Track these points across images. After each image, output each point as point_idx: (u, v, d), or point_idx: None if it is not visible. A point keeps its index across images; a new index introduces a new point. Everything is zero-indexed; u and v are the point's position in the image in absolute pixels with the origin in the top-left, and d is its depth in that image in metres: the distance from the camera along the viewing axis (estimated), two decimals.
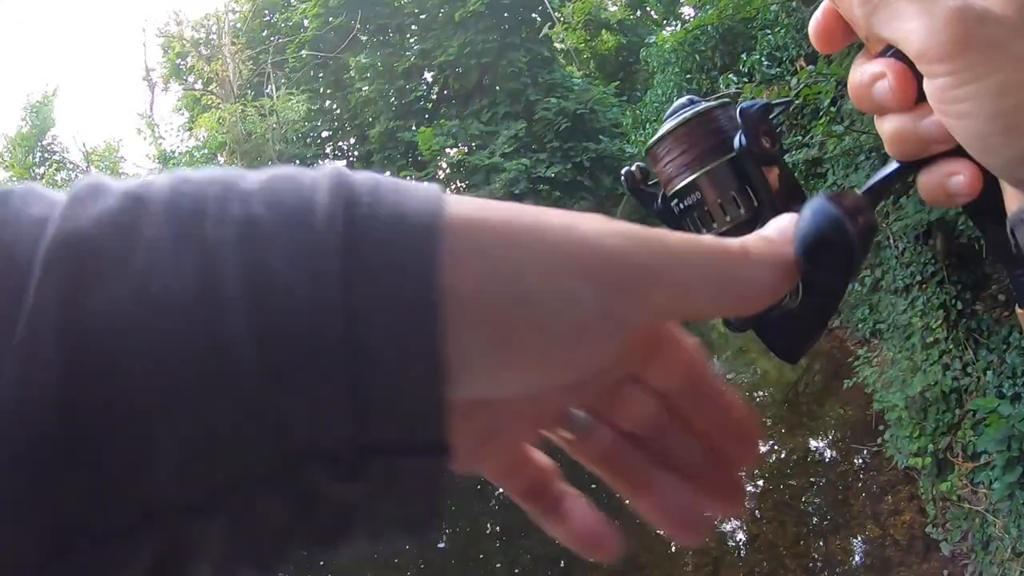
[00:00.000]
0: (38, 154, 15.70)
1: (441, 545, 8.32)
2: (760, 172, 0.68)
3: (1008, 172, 0.52)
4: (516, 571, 7.34)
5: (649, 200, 0.74)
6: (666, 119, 0.72)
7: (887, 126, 0.54)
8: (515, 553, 7.68)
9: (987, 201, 0.67)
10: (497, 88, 19.45)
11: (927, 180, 0.55)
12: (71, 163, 14.80)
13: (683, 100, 0.72)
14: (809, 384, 11.43)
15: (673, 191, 0.70)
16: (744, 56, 6.98)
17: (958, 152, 0.52)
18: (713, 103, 0.69)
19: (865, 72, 0.53)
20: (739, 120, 0.67)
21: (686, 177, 0.68)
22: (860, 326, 9.18)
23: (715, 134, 0.68)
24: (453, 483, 0.38)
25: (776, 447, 9.50)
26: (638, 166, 0.76)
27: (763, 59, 7.22)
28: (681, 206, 0.70)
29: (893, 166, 0.58)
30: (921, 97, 0.50)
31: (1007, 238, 0.62)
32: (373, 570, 7.81)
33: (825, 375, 11.18)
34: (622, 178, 0.75)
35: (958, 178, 0.52)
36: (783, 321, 0.62)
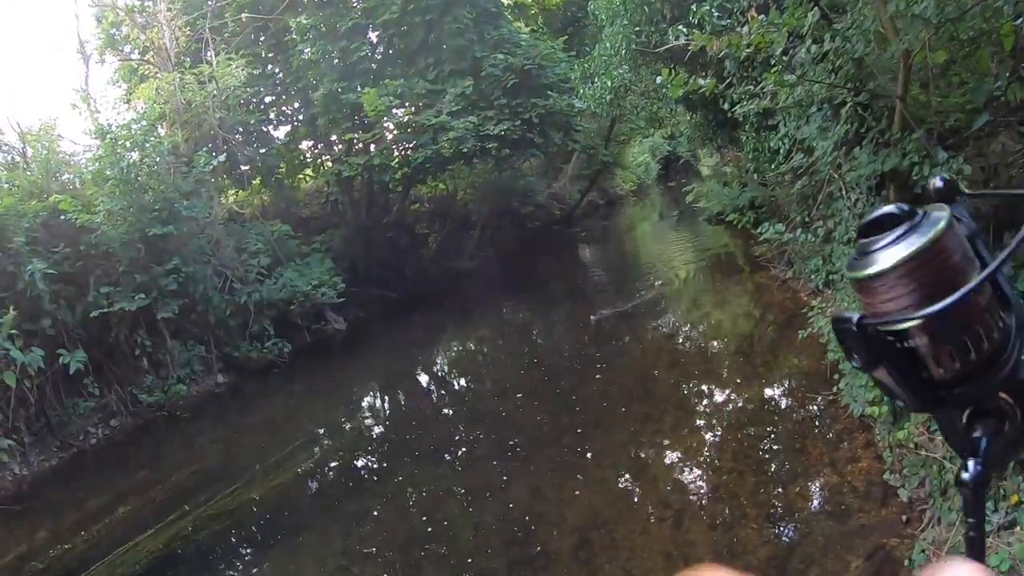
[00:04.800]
0: None
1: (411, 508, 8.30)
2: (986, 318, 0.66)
3: None
4: (482, 530, 7.34)
5: (869, 343, 0.67)
6: (874, 237, 0.65)
7: None
8: (479, 514, 7.68)
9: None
10: (443, 45, 19.16)
11: None
12: (7, 145, 14.31)
13: (892, 210, 0.66)
14: (763, 335, 11.54)
15: (891, 330, 0.66)
16: (694, 7, 6.88)
17: None
18: (942, 225, 0.63)
19: None
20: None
21: (909, 321, 0.64)
22: (813, 277, 9.26)
23: (947, 271, 0.63)
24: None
25: (733, 397, 9.59)
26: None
27: (713, 10, 7.12)
28: (899, 346, 0.66)
29: None
30: None
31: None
32: (341, 538, 7.78)
33: (779, 326, 11.31)
34: (852, 328, 0.67)
35: None
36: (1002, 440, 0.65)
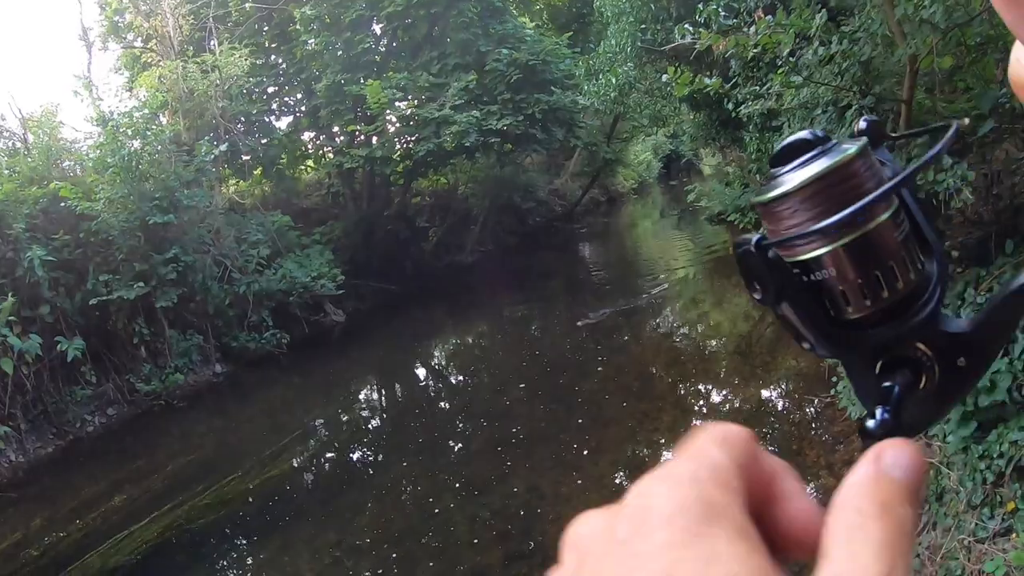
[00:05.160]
0: None
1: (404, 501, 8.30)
2: (910, 252, 0.61)
3: None
4: (477, 525, 7.34)
5: (769, 272, 0.61)
6: (783, 164, 0.61)
7: None
8: (475, 509, 7.68)
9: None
10: (447, 39, 19.15)
11: None
12: (8, 131, 14.31)
13: (804, 136, 0.61)
14: (762, 335, 11.53)
15: (793, 260, 0.60)
16: (701, 6, 6.84)
17: None
18: (853, 150, 0.58)
19: None
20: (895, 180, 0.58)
21: (815, 249, 0.59)
22: None
23: (854, 192, 0.58)
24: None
25: (730, 397, 9.60)
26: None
27: (720, 9, 7.09)
28: (806, 279, 0.60)
29: None
30: None
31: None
32: (336, 530, 7.78)
33: (777, 327, 11.28)
34: (750, 249, 0.61)
35: None
36: (916, 401, 0.59)
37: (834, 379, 7.77)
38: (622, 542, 0.36)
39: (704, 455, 0.39)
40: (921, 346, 0.60)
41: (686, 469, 0.37)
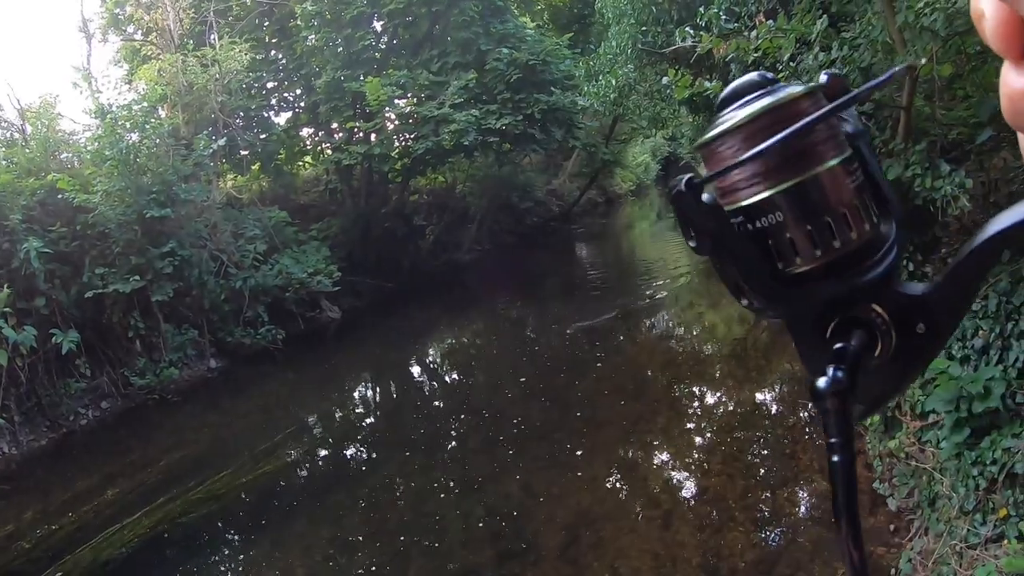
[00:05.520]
0: None
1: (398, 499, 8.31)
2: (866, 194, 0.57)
3: None
4: (470, 524, 7.35)
5: (703, 215, 0.57)
6: (729, 106, 0.56)
7: None
8: (468, 507, 7.69)
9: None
10: (448, 38, 19.14)
11: None
12: (6, 121, 14.29)
13: (753, 77, 0.57)
14: (757, 339, 11.55)
15: (736, 206, 0.57)
16: (702, 9, 6.86)
17: None
18: (799, 89, 0.54)
19: None
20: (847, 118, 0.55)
21: (759, 191, 0.54)
22: None
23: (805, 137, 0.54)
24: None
25: (725, 400, 9.61)
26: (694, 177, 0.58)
27: (721, 13, 7.11)
28: (750, 227, 0.56)
29: None
30: None
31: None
32: (329, 527, 7.78)
33: (772, 330, 11.32)
34: (681, 188, 0.57)
35: None
36: (873, 372, 0.55)
37: None
38: None
39: None
40: (877, 308, 0.56)
41: None
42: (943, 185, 4.94)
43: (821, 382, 0.51)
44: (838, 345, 0.54)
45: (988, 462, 4.53)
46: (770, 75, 0.57)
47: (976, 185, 5.64)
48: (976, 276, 0.53)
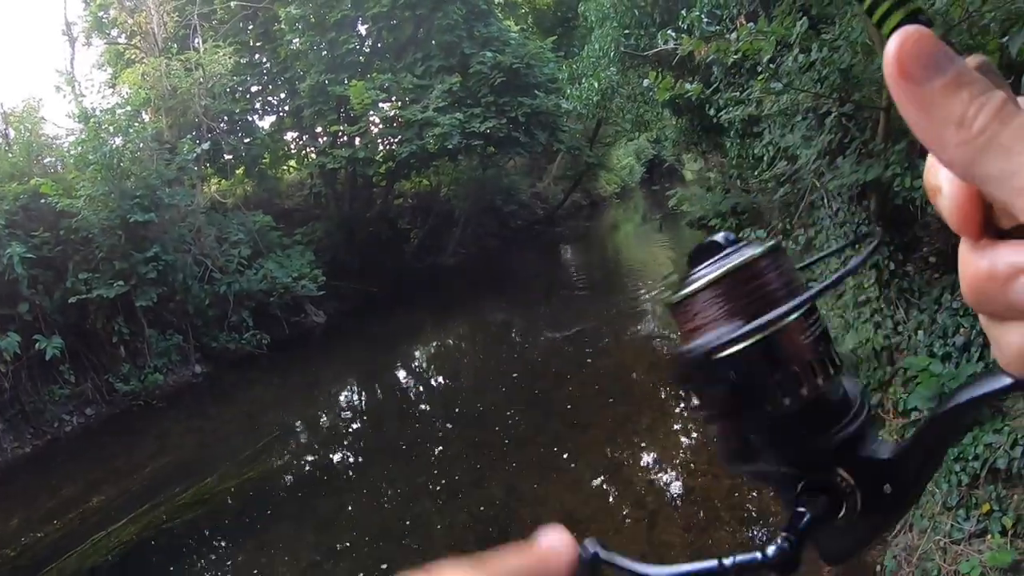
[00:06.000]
0: None
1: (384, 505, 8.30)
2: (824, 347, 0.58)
3: None
4: (455, 528, 7.35)
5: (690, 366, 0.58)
6: (699, 266, 0.59)
7: (1017, 338, 0.41)
8: (454, 511, 7.69)
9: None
10: (432, 41, 19.17)
11: None
12: None
13: (718, 239, 0.60)
14: None
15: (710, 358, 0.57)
16: (684, 12, 6.90)
17: None
18: (759, 250, 0.57)
19: (999, 261, 0.40)
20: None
21: (728, 346, 0.55)
22: None
23: (761, 292, 0.56)
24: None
25: None
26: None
27: (703, 15, 7.16)
28: (729, 376, 0.57)
29: (1003, 382, 0.46)
30: None
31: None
32: (314, 533, 7.77)
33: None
34: (686, 358, 0.58)
35: None
36: (839, 529, 0.56)
37: None
38: None
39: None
40: (843, 472, 0.56)
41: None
42: (922, 184, 4.99)
43: (770, 550, 0.52)
44: (800, 509, 0.55)
45: (970, 458, 4.57)
46: (733, 236, 0.59)
47: None
48: (943, 442, 0.55)
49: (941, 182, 0.42)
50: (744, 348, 0.54)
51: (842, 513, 0.56)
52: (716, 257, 0.58)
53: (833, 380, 0.57)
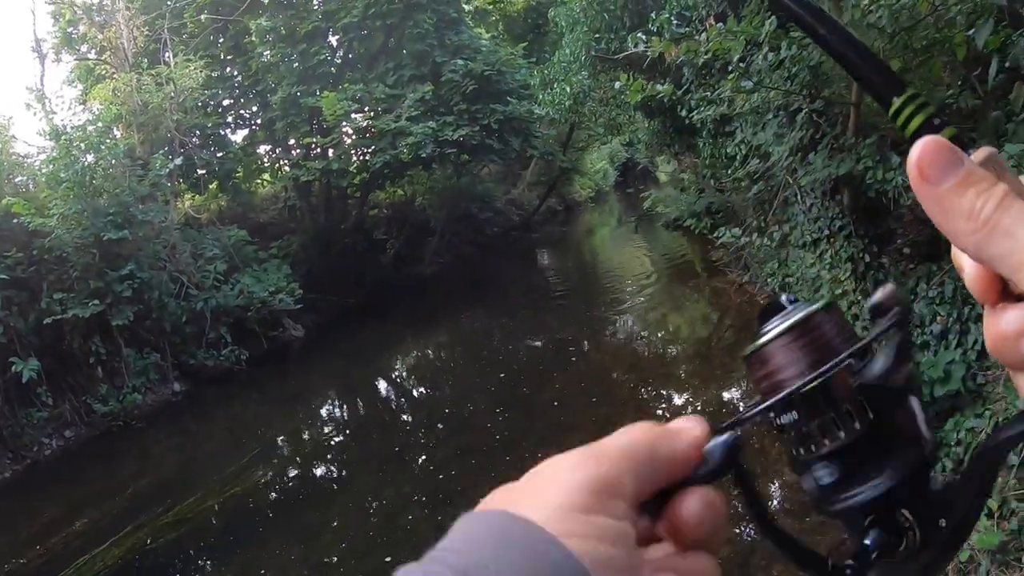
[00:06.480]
0: None
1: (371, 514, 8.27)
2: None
3: None
4: (442, 537, 7.33)
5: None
6: (767, 323, 0.64)
7: None
8: (441, 520, 7.67)
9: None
10: (403, 50, 19.17)
11: None
12: None
13: (782, 300, 0.66)
14: (721, 339, 11.67)
15: (766, 404, 0.62)
16: (653, 15, 6.96)
17: None
18: (815, 307, 0.62)
19: (1010, 322, 0.48)
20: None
21: (781, 390, 0.61)
22: (769, 280, 9.40)
23: (818, 346, 0.61)
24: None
25: (692, 399, 9.70)
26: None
27: (672, 18, 7.22)
28: (779, 422, 0.63)
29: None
30: None
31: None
32: (301, 547, 7.72)
33: (736, 329, 11.45)
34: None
35: None
36: (898, 565, 0.59)
37: None
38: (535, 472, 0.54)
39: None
40: (905, 512, 0.60)
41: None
42: (894, 177, 5.06)
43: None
44: (865, 542, 0.59)
45: (953, 443, 4.63)
46: (793, 297, 0.65)
47: None
48: (991, 477, 0.58)
49: (963, 263, 0.51)
50: (806, 389, 0.59)
51: (903, 547, 0.59)
52: (781, 315, 0.63)
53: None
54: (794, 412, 0.61)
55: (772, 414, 0.62)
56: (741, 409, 0.65)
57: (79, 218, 12.75)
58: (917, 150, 0.47)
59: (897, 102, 0.53)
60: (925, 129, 0.51)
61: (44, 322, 11.98)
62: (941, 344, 5.18)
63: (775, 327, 0.62)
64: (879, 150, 5.34)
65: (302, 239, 19.86)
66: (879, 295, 0.65)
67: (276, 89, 19.08)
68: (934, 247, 5.90)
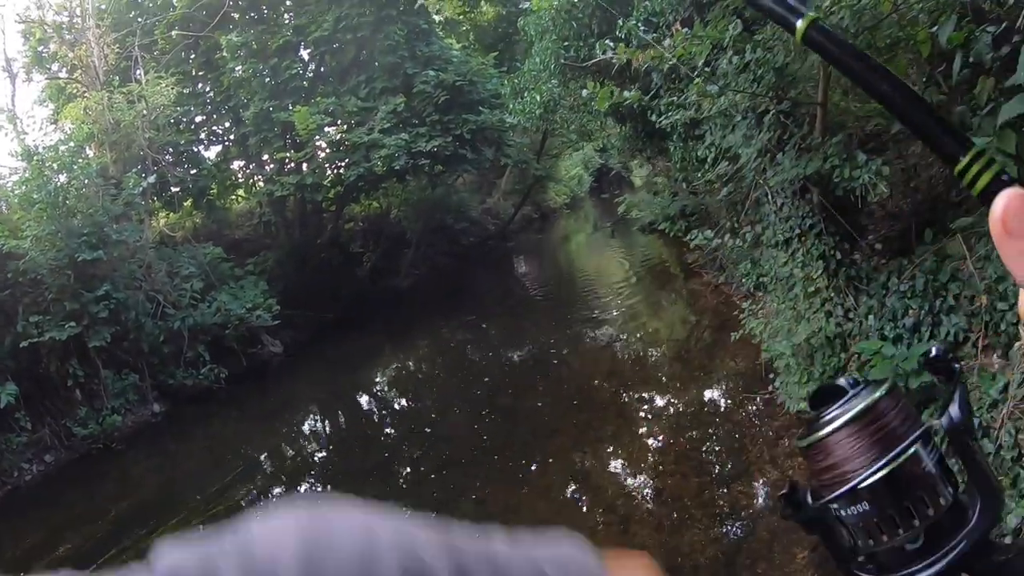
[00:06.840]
0: None
1: None
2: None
3: None
4: None
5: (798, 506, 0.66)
6: (825, 408, 0.65)
7: None
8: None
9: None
10: (375, 63, 19.19)
11: None
12: None
13: (841, 383, 0.66)
14: (699, 339, 11.75)
15: (831, 496, 0.64)
16: (621, 22, 7.03)
17: None
18: (881, 392, 0.63)
19: None
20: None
21: (848, 483, 0.62)
22: (744, 280, 9.46)
23: (884, 434, 0.62)
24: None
25: (672, 401, 9.76)
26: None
27: (639, 24, 7.30)
28: (842, 514, 0.64)
29: None
30: None
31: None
32: None
33: (713, 329, 11.53)
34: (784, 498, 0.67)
35: None
36: None
37: (771, 376, 8.00)
38: None
39: None
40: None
41: None
42: (861, 174, 5.15)
43: None
44: None
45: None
46: (853, 379, 0.66)
47: (896, 172, 5.87)
48: None
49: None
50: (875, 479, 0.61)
51: None
52: (842, 401, 0.64)
53: (956, 497, 0.64)
54: (863, 503, 0.62)
55: (835, 507, 0.64)
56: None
57: (53, 239, 12.64)
58: (1000, 205, 0.47)
59: (964, 160, 0.53)
60: (995, 185, 0.51)
61: (20, 345, 11.87)
62: (914, 336, 5.27)
63: (838, 415, 0.63)
64: (846, 148, 5.43)
65: (278, 255, 19.79)
66: (935, 351, 0.67)
67: (248, 104, 19.02)
68: (904, 242, 6.01)
